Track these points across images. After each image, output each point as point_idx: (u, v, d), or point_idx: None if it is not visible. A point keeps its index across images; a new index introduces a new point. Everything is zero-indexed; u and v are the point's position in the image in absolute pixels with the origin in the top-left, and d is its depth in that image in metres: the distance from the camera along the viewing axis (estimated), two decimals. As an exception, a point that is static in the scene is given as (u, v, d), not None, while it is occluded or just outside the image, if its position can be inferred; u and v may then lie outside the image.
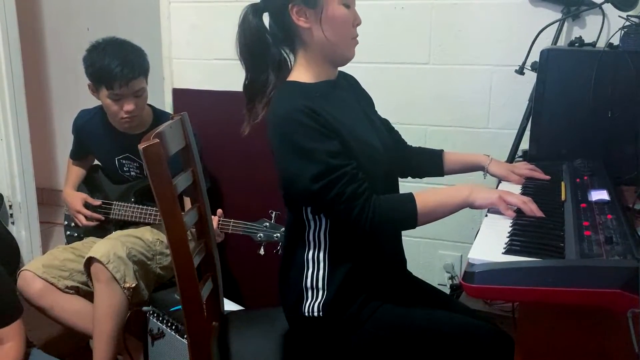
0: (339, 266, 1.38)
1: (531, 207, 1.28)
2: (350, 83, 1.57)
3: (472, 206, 1.32)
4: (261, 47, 1.42)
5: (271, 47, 1.42)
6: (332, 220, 1.37)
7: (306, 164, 1.28)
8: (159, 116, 2.26)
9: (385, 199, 1.31)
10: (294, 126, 1.29)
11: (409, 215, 1.30)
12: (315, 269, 1.39)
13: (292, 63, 1.45)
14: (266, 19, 1.44)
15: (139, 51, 2.15)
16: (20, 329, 1.88)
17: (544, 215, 1.27)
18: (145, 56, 2.16)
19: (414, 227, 1.33)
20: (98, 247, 2.03)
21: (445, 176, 1.68)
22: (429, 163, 1.66)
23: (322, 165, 1.27)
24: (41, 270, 2.10)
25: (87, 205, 2.30)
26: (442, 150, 1.67)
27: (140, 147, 1.20)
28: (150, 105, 2.28)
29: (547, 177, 1.57)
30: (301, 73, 1.42)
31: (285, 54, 1.44)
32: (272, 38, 1.42)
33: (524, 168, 1.62)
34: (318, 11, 1.36)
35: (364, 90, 1.60)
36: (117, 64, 2.04)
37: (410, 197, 1.31)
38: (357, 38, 1.44)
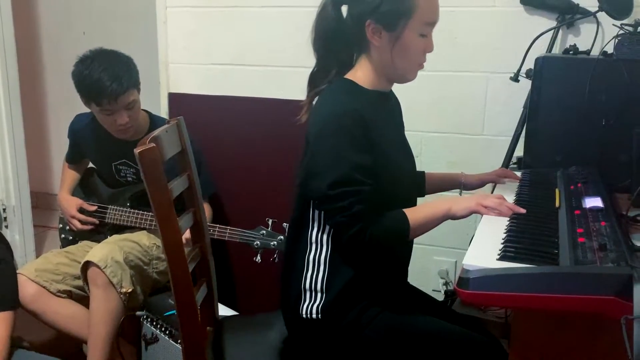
0: (340, 270, 1.38)
1: (508, 206, 1.32)
2: (396, 101, 1.59)
3: (454, 217, 1.36)
4: (334, 39, 1.41)
5: (342, 42, 1.41)
6: (330, 226, 1.38)
7: (331, 166, 1.29)
8: (155, 122, 2.26)
9: (382, 220, 1.31)
10: (338, 127, 1.30)
11: (401, 235, 1.33)
12: (315, 270, 1.40)
13: (354, 61, 1.44)
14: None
15: (127, 62, 2.11)
16: (8, 321, 1.85)
17: (524, 211, 1.31)
18: (134, 67, 2.13)
19: (405, 244, 1.39)
20: (95, 252, 2.02)
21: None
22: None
23: (345, 174, 1.28)
24: (34, 274, 2.09)
25: (82, 210, 2.30)
26: (423, 172, 1.71)
27: (136, 151, 1.20)
28: (146, 111, 2.27)
29: (518, 177, 1.65)
30: (360, 75, 1.42)
31: (351, 53, 1.44)
32: (344, 34, 1.40)
33: (495, 171, 1.73)
34: (393, 36, 1.35)
35: (401, 113, 1.61)
36: (104, 80, 2.01)
37: (403, 218, 1.33)
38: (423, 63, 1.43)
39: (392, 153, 1.41)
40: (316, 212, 1.40)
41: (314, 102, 1.45)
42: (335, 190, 1.28)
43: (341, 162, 1.29)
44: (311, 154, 1.34)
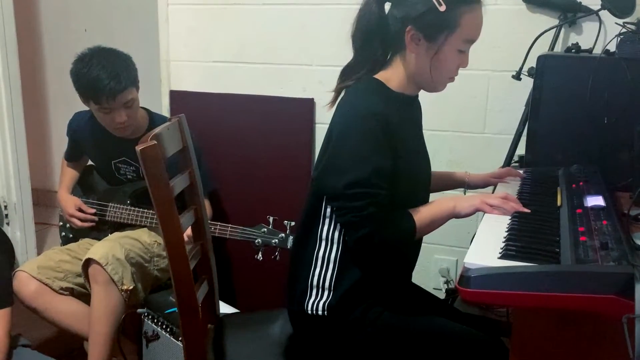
0: (349, 269, 1.38)
1: (512, 205, 1.32)
2: (419, 106, 1.58)
3: (459, 216, 1.36)
4: (374, 35, 1.39)
5: (380, 40, 1.39)
6: (339, 223, 1.37)
7: (351, 166, 1.29)
8: (155, 120, 2.26)
9: (389, 222, 1.31)
10: (363, 128, 1.30)
11: (408, 236, 1.34)
12: (324, 268, 1.40)
13: (388, 61, 1.43)
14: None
15: (125, 61, 2.11)
16: (5, 318, 1.85)
17: (528, 210, 1.31)
18: (133, 65, 2.13)
19: (412, 244, 1.40)
20: (96, 249, 2.02)
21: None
22: None
23: (365, 175, 1.28)
24: (36, 271, 2.09)
25: (80, 210, 2.29)
26: None
27: (138, 148, 1.20)
28: (145, 109, 2.27)
29: (522, 175, 1.65)
30: (390, 77, 1.41)
31: (387, 51, 1.43)
32: (383, 32, 1.38)
33: (500, 170, 1.72)
34: (432, 47, 1.34)
35: (422, 116, 1.61)
36: (102, 78, 2.00)
37: (410, 219, 1.33)
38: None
39: (412, 158, 1.41)
40: (328, 209, 1.39)
41: (340, 96, 1.44)
42: (352, 190, 1.28)
43: (362, 164, 1.28)
44: (332, 151, 1.33)
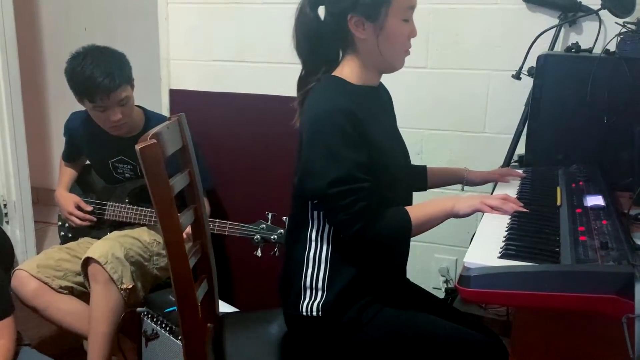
0: (340, 268, 1.38)
1: (511, 206, 1.32)
2: (386, 94, 1.58)
3: (457, 216, 1.35)
4: (318, 40, 1.40)
5: (326, 42, 1.40)
6: (331, 225, 1.37)
7: (330, 165, 1.28)
8: (150, 118, 2.25)
9: (383, 217, 1.31)
10: (331, 126, 1.29)
11: (403, 232, 1.33)
12: (316, 268, 1.39)
13: (340, 58, 1.43)
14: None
15: (119, 59, 2.11)
16: (11, 326, 1.86)
17: (527, 210, 1.31)
18: (127, 62, 2.12)
19: (407, 241, 1.37)
20: (96, 248, 2.02)
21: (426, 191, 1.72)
22: (416, 179, 1.68)
23: (345, 172, 1.27)
24: (35, 270, 2.09)
25: (79, 208, 2.29)
26: (425, 166, 1.70)
27: (138, 147, 1.20)
28: (141, 107, 2.26)
29: (522, 174, 1.65)
30: (347, 72, 1.41)
31: (337, 50, 1.43)
32: (326, 33, 1.39)
33: (499, 169, 1.72)
34: (377, 26, 1.35)
35: (392, 104, 1.61)
36: (96, 76, 2.00)
37: (405, 215, 1.32)
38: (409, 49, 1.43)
39: (386, 147, 1.40)
40: (315, 211, 1.39)
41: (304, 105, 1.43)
42: (336, 188, 1.27)
43: (339, 161, 1.28)
44: (306, 155, 1.33)
